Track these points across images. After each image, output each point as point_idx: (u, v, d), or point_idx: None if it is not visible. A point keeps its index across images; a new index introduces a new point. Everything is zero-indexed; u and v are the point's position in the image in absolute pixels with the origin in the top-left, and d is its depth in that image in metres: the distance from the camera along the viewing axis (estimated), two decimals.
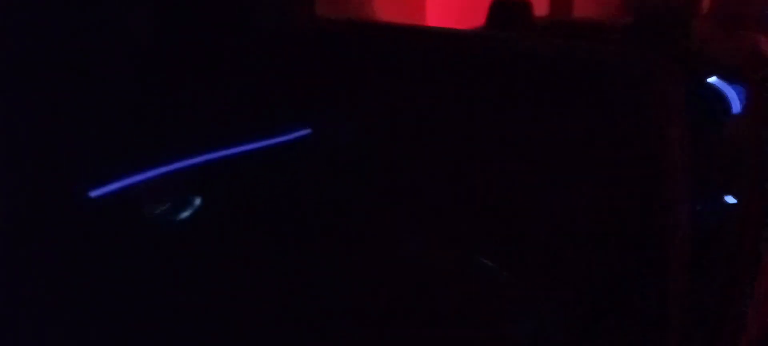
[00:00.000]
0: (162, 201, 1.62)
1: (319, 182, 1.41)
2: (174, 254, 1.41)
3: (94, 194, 1.45)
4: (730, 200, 1.50)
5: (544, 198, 1.19)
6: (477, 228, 1.22)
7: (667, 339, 0.98)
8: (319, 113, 1.49)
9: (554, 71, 1.19)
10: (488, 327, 1.12)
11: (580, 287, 1.08)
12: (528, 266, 1.15)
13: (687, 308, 0.98)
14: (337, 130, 1.46)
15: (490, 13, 2.57)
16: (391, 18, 3.79)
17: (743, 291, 1.12)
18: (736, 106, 1.99)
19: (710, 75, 2.12)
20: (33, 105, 1.46)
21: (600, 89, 1.14)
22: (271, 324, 1.21)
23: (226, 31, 1.64)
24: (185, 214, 1.65)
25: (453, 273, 1.18)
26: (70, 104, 1.50)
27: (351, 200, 1.37)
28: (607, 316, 1.05)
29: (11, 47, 1.38)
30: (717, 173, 1.57)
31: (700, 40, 2.76)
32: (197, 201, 1.67)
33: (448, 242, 1.24)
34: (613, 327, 1.04)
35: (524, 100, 1.21)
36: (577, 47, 1.24)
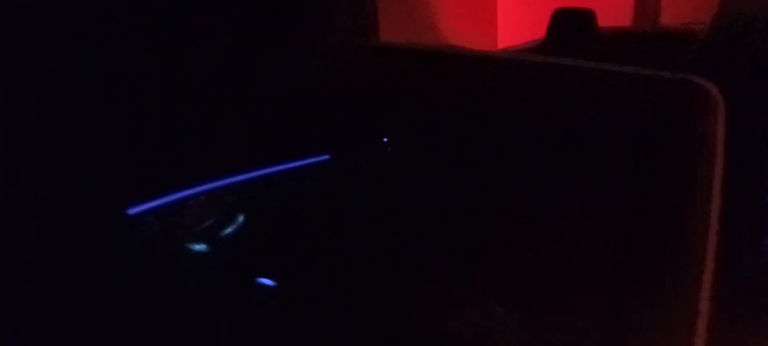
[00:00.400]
0: (206, 217, 1.66)
1: (344, 207, 1.40)
2: (202, 270, 1.43)
3: (132, 211, 1.47)
4: None
5: (558, 240, 1.12)
6: (494, 271, 1.16)
7: None
8: (345, 140, 1.48)
9: (574, 112, 1.11)
10: None
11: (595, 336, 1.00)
12: (542, 313, 1.08)
13: None
14: (364, 156, 1.45)
15: (551, 24, 2.46)
16: (462, 32, 3.75)
17: None
18: None
19: None
20: (73, 123, 1.50)
21: (618, 127, 1.05)
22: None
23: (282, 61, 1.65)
24: (229, 230, 1.68)
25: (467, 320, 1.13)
26: (109, 123, 1.54)
27: (368, 230, 1.34)
28: None
29: (52, 65, 1.43)
30: None
31: None
32: (240, 218, 1.69)
33: (466, 288, 1.19)
34: None
35: (548, 135, 1.14)
36: (599, 75, 1.14)
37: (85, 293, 1.38)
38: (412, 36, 3.41)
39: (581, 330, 0.98)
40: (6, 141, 1.43)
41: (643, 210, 1.02)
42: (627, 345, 0.92)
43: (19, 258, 1.39)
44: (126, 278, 1.42)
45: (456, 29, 3.59)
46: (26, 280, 1.37)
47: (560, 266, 1.12)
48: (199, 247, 1.63)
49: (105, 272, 1.42)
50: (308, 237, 1.53)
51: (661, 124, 1.02)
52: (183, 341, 1.40)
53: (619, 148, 1.09)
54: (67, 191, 1.48)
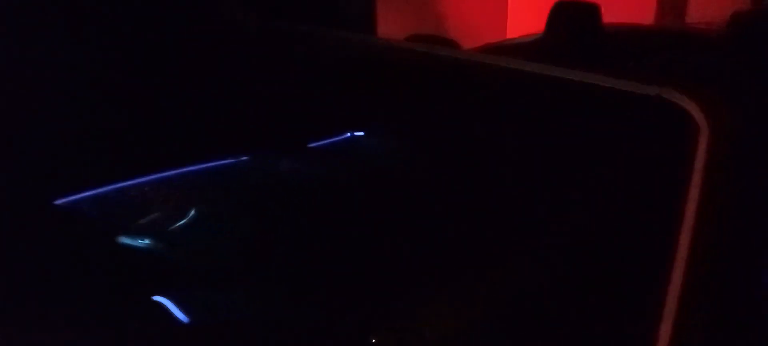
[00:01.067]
0: (151, 210, 1.56)
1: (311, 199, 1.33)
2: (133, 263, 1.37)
3: (59, 202, 1.38)
4: None
5: (522, 253, 0.99)
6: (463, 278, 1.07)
7: None
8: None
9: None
10: None
11: None
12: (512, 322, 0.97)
13: None
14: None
15: (550, 17, 2.26)
16: (471, 22, 3.60)
17: None
18: None
19: None
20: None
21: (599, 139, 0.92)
22: None
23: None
24: (180, 223, 1.59)
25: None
26: (39, 111, 1.44)
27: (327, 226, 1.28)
28: None
29: None
30: None
31: None
32: (192, 212, 1.60)
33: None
34: None
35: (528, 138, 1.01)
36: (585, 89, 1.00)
37: (8, 288, 1.29)
38: (418, 25, 3.28)
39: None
40: None
41: (607, 227, 0.90)
42: None
43: None
44: (53, 273, 1.32)
45: (465, 18, 3.43)
46: None
47: (523, 280, 1.02)
48: (142, 242, 1.54)
49: (31, 267, 1.32)
50: (265, 231, 1.44)
51: (632, 143, 0.87)
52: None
53: (587, 162, 0.95)
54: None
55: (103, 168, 1.47)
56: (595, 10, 2.22)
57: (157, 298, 1.27)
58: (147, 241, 1.54)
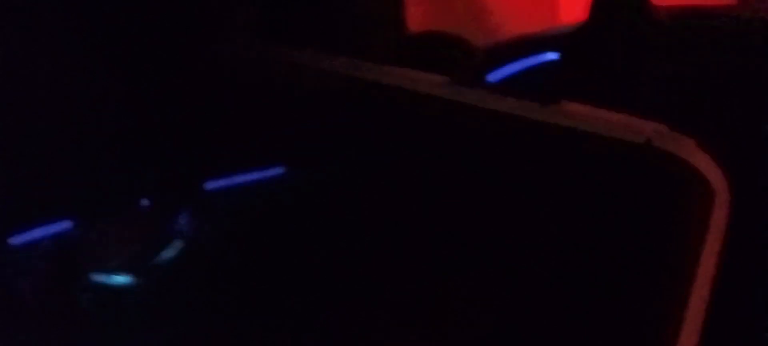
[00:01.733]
0: (130, 243, 1.46)
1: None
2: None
3: (14, 241, 1.30)
4: None
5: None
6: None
7: None
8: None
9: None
10: None
11: None
12: None
13: None
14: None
15: (593, 1, 1.98)
16: (522, 15, 3.34)
17: None
18: None
19: None
20: None
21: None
22: None
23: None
24: (166, 255, 1.49)
25: None
26: None
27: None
28: None
29: None
30: None
31: None
32: (177, 242, 1.50)
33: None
34: None
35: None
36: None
37: None
38: (462, 10, 3.07)
39: None
40: None
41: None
42: None
43: None
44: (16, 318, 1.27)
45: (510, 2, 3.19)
46: None
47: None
48: (121, 279, 1.45)
49: None
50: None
51: (612, 209, 0.67)
52: None
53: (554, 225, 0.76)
54: None
55: (65, 201, 1.36)
56: None
57: None
58: (124, 278, 1.46)
